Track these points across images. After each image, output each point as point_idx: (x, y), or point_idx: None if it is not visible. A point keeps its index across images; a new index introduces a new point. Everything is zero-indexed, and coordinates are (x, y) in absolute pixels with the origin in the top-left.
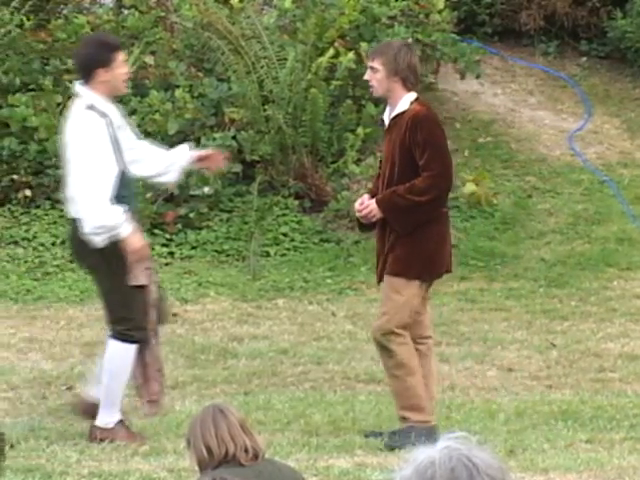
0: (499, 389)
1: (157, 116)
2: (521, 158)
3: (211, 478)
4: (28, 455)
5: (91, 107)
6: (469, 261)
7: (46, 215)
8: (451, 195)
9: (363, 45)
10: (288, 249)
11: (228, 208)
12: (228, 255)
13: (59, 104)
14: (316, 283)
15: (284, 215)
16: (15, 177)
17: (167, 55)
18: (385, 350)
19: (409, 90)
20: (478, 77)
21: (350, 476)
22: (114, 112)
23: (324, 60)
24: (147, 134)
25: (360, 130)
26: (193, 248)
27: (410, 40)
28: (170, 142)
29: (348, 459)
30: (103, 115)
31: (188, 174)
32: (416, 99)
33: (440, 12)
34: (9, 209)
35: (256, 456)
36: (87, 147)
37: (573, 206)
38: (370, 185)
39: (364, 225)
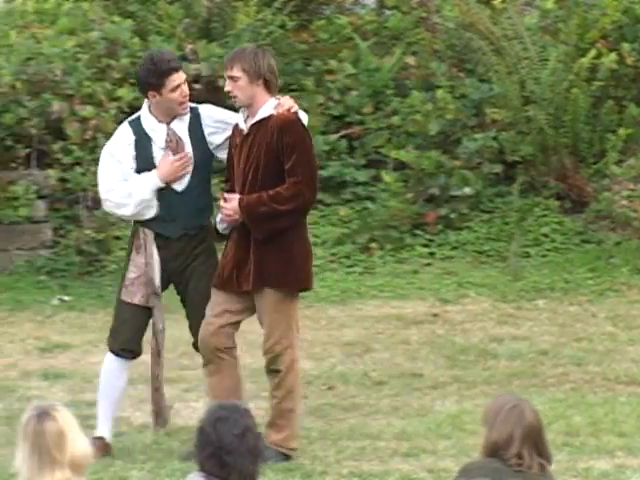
0: None
1: (418, 117)
2: None
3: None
4: None
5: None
6: None
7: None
8: None
9: (625, 46)
10: (549, 250)
11: (489, 209)
12: (488, 256)
13: (321, 104)
14: (577, 284)
15: (545, 216)
16: None
17: (429, 55)
18: (274, 372)
19: (271, 94)
20: None
21: (610, 478)
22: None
23: (586, 61)
24: (408, 135)
25: (622, 131)
26: (454, 249)
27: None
28: (430, 142)
29: (608, 460)
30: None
31: (449, 174)
32: (279, 104)
33: None
34: None
35: (541, 467)
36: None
37: None
38: (632, 186)
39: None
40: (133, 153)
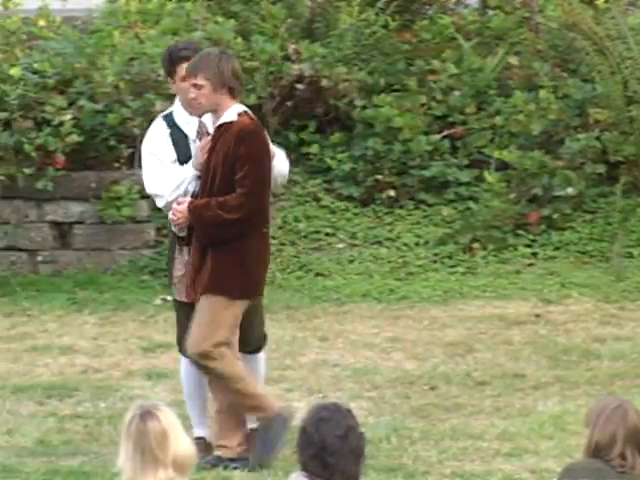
0: None
1: (521, 117)
2: None
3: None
4: (390, 454)
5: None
6: None
7: (409, 215)
8: None
9: None
10: None
11: (591, 209)
12: (591, 256)
13: (423, 104)
14: None
15: None
16: (379, 177)
17: (531, 55)
18: (203, 368)
19: (235, 100)
20: None
21: None
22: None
23: None
24: (511, 135)
25: None
26: (556, 249)
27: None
28: (533, 142)
29: None
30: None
31: (552, 174)
32: (245, 112)
33: None
34: (373, 209)
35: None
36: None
37: None
38: None
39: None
40: (171, 146)
